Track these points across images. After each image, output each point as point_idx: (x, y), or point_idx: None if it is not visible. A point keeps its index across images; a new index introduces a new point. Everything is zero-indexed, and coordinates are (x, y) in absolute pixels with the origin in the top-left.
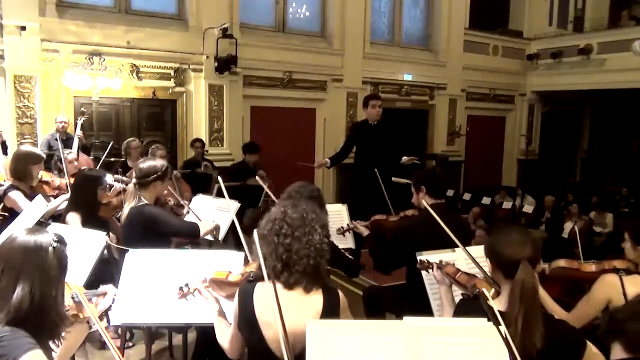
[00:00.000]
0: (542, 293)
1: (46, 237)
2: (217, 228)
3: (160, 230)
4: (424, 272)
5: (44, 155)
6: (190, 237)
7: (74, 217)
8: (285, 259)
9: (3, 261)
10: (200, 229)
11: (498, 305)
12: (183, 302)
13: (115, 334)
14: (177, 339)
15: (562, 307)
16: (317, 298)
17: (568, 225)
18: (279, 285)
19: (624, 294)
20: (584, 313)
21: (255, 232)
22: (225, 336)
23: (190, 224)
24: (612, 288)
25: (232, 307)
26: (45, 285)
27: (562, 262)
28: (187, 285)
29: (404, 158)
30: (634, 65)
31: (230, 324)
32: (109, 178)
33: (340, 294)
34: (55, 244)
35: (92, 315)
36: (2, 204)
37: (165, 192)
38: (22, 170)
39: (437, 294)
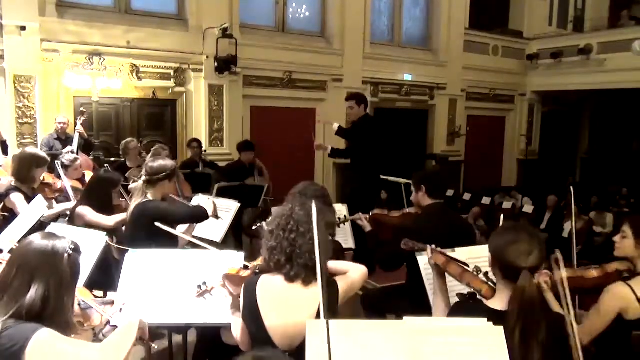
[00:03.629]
0: (554, 303)
1: (63, 244)
2: (214, 206)
3: (168, 220)
4: (423, 273)
5: (49, 159)
6: (199, 220)
7: (86, 209)
8: (289, 253)
9: (17, 262)
10: (207, 211)
11: (496, 305)
12: (183, 303)
13: None
14: (177, 339)
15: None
16: (316, 292)
17: (568, 226)
18: (280, 278)
19: (638, 300)
20: (597, 326)
21: (263, 224)
22: (238, 328)
23: (196, 207)
24: (624, 299)
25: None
26: (57, 291)
27: (565, 274)
28: (204, 283)
29: None
30: (634, 65)
31: None
32: None
33: (339, 282)
34: (70, 252)
35: (102, 313)
36: (2, 204)
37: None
38: (27, 173)
39: (432, 279)
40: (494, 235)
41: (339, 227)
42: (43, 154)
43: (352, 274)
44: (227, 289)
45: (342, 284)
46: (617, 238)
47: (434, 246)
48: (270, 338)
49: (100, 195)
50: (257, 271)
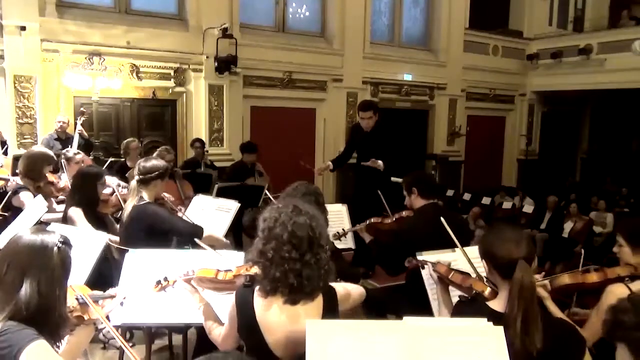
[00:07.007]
0: (553, 308)
1: (52, 238)
2: (225, 245)
3: (164, 228)
4: (423, 272)
5: (56, 157)
6: (192, 237)
7: (76, 211)
8: (296, 286)
9: (8, 258)
10: (204, 232)
11: (497, 306)
12: (183, 303)
13: None
14: (177, 339)
15: (559, 305)
16: (317, 302)
17: (568, 225)
18: (280, 300)
19: None
20: (598, 327)
21: (254, 251)
22: (216, 332)
23: (194, 225)
24: None
25: (226, 306)
26: (49, 285)
27: (566, 279)
28: (165, 279)
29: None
30: (634, 65)
31: (221, 322)
32: (113, 180)
33: (336, 287)
34: (60, 245)
35: (99, 315)
36: (2, 204)
37: (165, 193)
38: (38, 170)
39: (437, 294)
40: (480, 241)
41: (340, 240)
42: (50, 152)
43: (351, 290)
44: (192, 287)
45: (341, 291)
46: (615, 248)
47: (433, 259)
48: (272, 352)
49: (86, 189)
50: (248, 282)
